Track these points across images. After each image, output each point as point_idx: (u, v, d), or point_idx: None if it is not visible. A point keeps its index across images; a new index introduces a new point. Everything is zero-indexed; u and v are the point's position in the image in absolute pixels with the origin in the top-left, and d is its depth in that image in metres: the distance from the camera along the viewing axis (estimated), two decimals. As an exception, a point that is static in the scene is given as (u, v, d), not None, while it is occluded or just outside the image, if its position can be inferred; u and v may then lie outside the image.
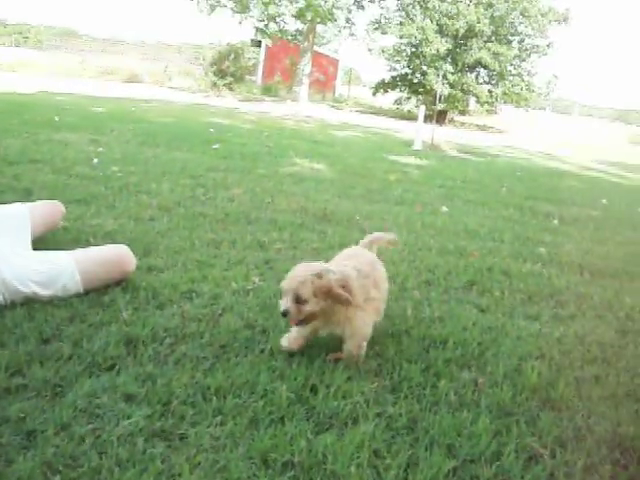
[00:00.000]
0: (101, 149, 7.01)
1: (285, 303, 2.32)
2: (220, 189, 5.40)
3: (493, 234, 4.93)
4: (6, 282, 2.62)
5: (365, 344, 2.46)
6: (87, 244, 3.54)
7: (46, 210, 3.35)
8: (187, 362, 2.29)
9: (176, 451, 1.80)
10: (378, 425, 2.02)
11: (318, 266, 2.42)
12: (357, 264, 2.55)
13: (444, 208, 5.78)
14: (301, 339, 2.45)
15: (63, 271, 2.76)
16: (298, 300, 2.31)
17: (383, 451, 1.90)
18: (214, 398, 2.07)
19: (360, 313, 2.42)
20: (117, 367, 2.23)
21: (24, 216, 3.12)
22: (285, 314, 2.32)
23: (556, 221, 5.98)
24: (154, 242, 3.70)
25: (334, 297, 2.33)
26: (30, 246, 3.06)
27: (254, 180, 6.03)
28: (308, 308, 2.32)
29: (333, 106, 26.42)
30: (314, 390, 2.18)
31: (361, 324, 2.42)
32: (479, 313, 3.16)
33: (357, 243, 4.14)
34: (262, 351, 2.45)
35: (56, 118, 9.28)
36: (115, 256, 2.95)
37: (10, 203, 4.27)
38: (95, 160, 6.19)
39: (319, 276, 2.33)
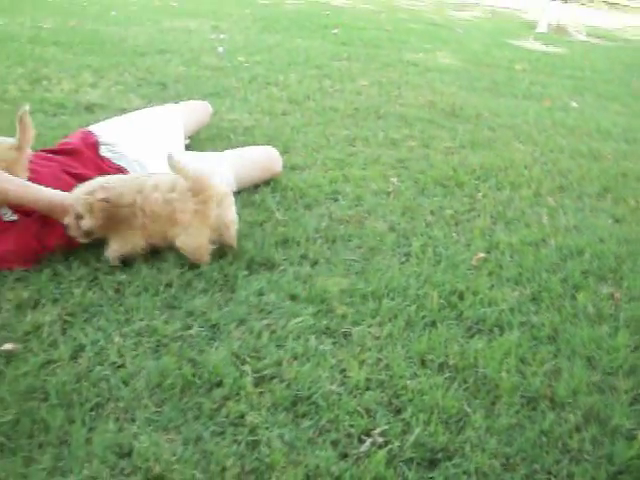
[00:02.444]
0: (223, 36, 7.12)
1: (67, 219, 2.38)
2: (346, 80, 5.45)
3: (627, 135, 4.77)
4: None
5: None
6: (228, 140, 3.75)
7: (197, 111, 3.55)
8: (340, 264, 2.49)
9: (342, 348, 2.02)
10: (523, 334, 2.16)
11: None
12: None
13: (574, 103, 5.61)
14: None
15: (218, 172, 2.96)
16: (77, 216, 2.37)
17: (529, 359, 2.05)
18: (370, 300, 2.26)
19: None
20: (276, 266, 2.46)
21: (178, 118, 3.31)
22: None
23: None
24: (291, 139, 3.85)
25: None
26: (184, 147, 3.27)
27: (378, 70, 6.02)
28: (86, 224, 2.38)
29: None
30: (461, 296, 2.34)
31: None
32: (614, 223, 3.16)
33: (488, 141, 4.18)
34: (407, 255, 2.62)
35: (174, 3, 9.40)
36: (265, 158, 3.14)
37: (148, 97, 4.53)
38: (220, 49, 6.33)
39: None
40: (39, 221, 2.43)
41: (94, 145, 2.89)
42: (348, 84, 5.33)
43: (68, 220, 2.37)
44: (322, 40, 7.42)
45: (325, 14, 9.68)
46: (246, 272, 2.39)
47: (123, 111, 4.14)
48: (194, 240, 2.39)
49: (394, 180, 3.33)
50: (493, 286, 2.43)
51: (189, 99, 4.26)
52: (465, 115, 4.73)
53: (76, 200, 2.36)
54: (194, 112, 3.52)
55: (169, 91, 4.75)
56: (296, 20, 8.69)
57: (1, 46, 5.66)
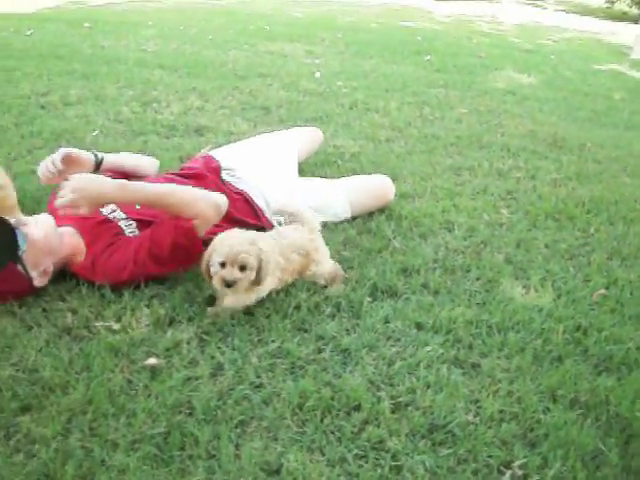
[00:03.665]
0: (318, 61, 7.26)
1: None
2: (445, 108, 5.48)
3: None
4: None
5: None
6: (336, 166, 3.85)
7: (310, 138, 3.66)
8: (461, 294, 2.54)
9: (472, 379, 2.07)
10: (653, 374, 2.16)
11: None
12: None
13: (679, 135, 5.48)
14: None
15: (335, 200, 3.06)
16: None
17: (660, 401, 2.05)
18: (495, 332, 2.30)
19: None
20: (399, 294, 2.52)
21: (293, 145, 3.43)
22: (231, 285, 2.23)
23: None
24: (397, 167, 3.92)
25: None
26: (297, 174, 3.38)
27: (475, 98, 6.03)
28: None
29: (535, 5, 24.81)
30: (585, 332, 2.34)
31: None
32: None
33: (594, 174, 4.14)
34: (526, 288, 2.64)
35: (266, 27, 9.64)
36: (379, 186, 3.22)
37: (253, 121, 4.68)
38: (317, 74, 6.46)
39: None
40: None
41: (216, 170, 3.04)
42: (447, 112, 5.37)
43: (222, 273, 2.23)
44: (415, 66, 7.47)
45: (417, 40, 9.74)
46: (370, 299, 2.47)
47: (231, 134, 4.33)
48: (327, 266, 2.56)
49: (505, 212, 3.35)
50: (616, 323, 2.42)
51: (293, 124, 4.41)
52: (568, 146, 4.70)
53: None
54: (307, 139, 3.64)
55: (272, 116, 4.90)
56: (388, 45, 8.78)
57: (110, 68, 5.96)
